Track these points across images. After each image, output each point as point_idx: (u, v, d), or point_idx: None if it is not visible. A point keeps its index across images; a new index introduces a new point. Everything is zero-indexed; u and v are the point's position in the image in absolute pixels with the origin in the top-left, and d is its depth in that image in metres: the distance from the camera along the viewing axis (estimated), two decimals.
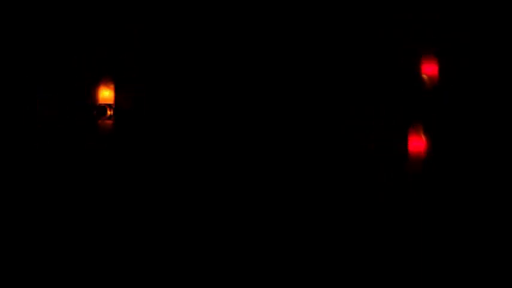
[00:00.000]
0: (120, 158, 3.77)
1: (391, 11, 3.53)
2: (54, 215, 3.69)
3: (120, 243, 3.65)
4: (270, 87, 3.66)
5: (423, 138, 3.47)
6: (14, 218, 3.63)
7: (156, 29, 3.81)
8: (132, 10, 3.83)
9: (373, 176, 3.51)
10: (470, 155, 3.42)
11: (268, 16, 3.67)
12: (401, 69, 3.52)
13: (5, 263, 3.49)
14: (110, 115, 3.79)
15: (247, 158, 3.64)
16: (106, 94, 3.83)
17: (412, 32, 3.50)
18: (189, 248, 3.61)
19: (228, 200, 3.63)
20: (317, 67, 3.61)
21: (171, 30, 3.80)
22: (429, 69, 3.48)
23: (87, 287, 3.57)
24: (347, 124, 3.56)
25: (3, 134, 3.71)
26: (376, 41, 3.55)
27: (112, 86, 3.84)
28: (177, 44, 3.79)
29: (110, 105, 3.80)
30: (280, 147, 3.61)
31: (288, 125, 3.61)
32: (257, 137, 3.65)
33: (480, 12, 3.45)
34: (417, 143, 3.47)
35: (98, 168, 3.77)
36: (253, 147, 3.64)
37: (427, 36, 3.49)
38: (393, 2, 3.53)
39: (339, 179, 3.54)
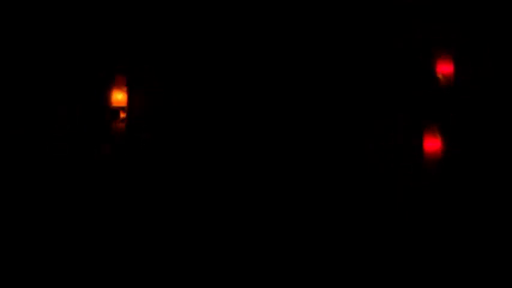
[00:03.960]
0: (133, 163, 3.73)
1: (405, 10, 3.48)
2: (65, 217, 3.63)
3: (132, 245, 3.60)
4: (286, 90, 3.62)
5: (439, 138, 3.42)
6: (26, 221, 3.60)
7: (170, 31, 3.77)
8: (147, 12, 3.79)
9: (388, 177, 3.46)
10: (488, 155, 3.37)
11: (284, 18, 3.64)
12: (416, 68, 3.47)
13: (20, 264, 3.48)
14: (123, 118, 3.76)
15: (263, 161, 3.60)
16: (119, 97, 3.79)
17: (427, 31, 3.45)
18: (200, 249, 3.57)
19: (243, 203, 3.59)
20: (331, 67, 3.57)
21: (186, 32, 3.76)
22: (445, 68, 3.43)
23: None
24: (361, 124, 3.52)
25: (17, 136, 3.68)
26: (390, 40, 3.51)
27: (125, 89, 3.80)
28: (192, 47, 3.75)
29: (123, 108, 3.76)
30: (294, 147, 3.58)
31: (303, 124, 3.57)
32: (276, 139, 3.61)
33: (496, 11, 3.40)
34: (433, 144, 3.43)
35: (111, 173, 3.73)
36: (271, 150, 3.60)
37: (442, 35, 3.44)
38: (407, 1, 3.49)
39: (353, 180, 3.50)
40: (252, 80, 3.66)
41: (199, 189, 3.63)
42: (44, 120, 3.68)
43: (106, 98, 3.80)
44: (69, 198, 3.66)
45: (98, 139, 3.76)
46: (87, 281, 3.50)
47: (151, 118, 3.78)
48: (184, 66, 3.76)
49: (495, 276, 3.28)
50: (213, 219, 3.58)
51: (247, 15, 3.68)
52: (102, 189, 3.70)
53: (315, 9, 3.61)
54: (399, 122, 3.49)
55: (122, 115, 3.76)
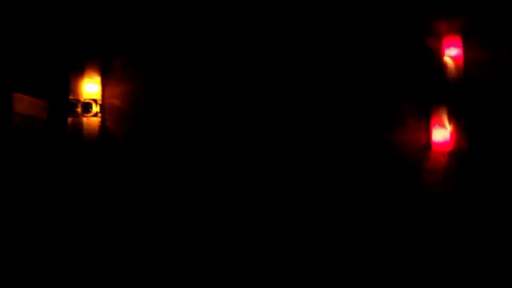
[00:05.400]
0: (107, 159, 3.38)
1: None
2: (32, 214, 3.29)
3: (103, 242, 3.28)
4: (286, 80, 3.31)
5: (447, 128, 3.10)
6: None
7: (149, 14, 3.44)
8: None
9: (392, 170, 3.14)
10: (502, 146, 3.06)
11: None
12: (421, 51, 3.16)
13: None
14: (96, 112, 3.43)
15: (260, 159, 3.28)
16: (92, 89, 3.46)
17: (434, 10, 3.15)
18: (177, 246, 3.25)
19: (239, 203, 3.26)
20: (334, 53, 3.25)
21: (167, 16, 3.43)
22: (453, 51, 3.12)
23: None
24: (362, 113, 3.19)
25: None
26: (393, 20, 3.20)
27: (98, 79, 3.46)
28: (170, 35, 3.42)
29: (95, 101, 3.43)
30: (300, 140, 3.25)
31: (310, 115, 3.24)
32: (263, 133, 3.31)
33: None
34: (440, 134, 3.10)
35: (83, 170, 3.37)
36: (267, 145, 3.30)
37: (450, 14, 3.14)
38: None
39: (356, 173, 3.17)
40: (249, 78, 3.34)
41: (180, 187, 3.30)
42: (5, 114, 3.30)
43: (78, 89, 3.45)
44: (32, 197, 3.30)
45: (66, 135, 3.41)
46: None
47: (127, 112, 3.44)
48: (164, 54, 3.42)
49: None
50: (195, 217, 3.26)
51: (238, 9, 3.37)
52: (71, 189, 3.35)
53: (316, 9, 3.31)
54: (403, 111, 3.17)
55: (94, 108, 3.42)
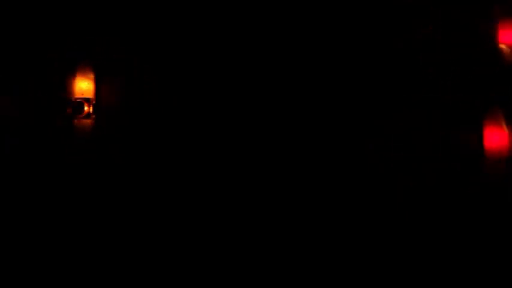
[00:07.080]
0: (100, 164, 3.06)
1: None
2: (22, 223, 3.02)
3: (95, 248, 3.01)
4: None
5: (504, 129, 2.62)
6: None
7: (146, 8, 3.11)
8: None
9: (440, 179, 2.68)
10: None
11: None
12: (471, 36, 2.68)
13: None
14: (88, 112, 3.10)
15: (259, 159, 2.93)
16: (84, 86, 3.14)
17: None
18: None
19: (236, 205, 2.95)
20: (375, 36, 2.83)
21: (164, 11, 3.10)
22: (509, 38, 2.64)
23: None
24: (406, 112, 2.74)
25: None
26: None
27: (91, 77, 3.14)
28: (171, 28, 3.10)
29: (88, 100, 3.10)
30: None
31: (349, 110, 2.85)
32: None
33: None
34: (496, 136, 2.64)
35: (74, 176, 3.06)
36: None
37: None
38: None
39: (400, 180, 2.74)
40: (249, 77, 2.99)
41: (175, 193, 3.01)
42: None
43: (67, 87, 3.14)
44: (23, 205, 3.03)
45: (57, 138, 3.10)
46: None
47: (122, 112, 3.10)
48: (161, 50, 3.09)
49: None
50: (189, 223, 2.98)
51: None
52: (62, 198, 3.05)
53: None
54: (453, 109, 2.70)
55: (87, 108, 3.10)
